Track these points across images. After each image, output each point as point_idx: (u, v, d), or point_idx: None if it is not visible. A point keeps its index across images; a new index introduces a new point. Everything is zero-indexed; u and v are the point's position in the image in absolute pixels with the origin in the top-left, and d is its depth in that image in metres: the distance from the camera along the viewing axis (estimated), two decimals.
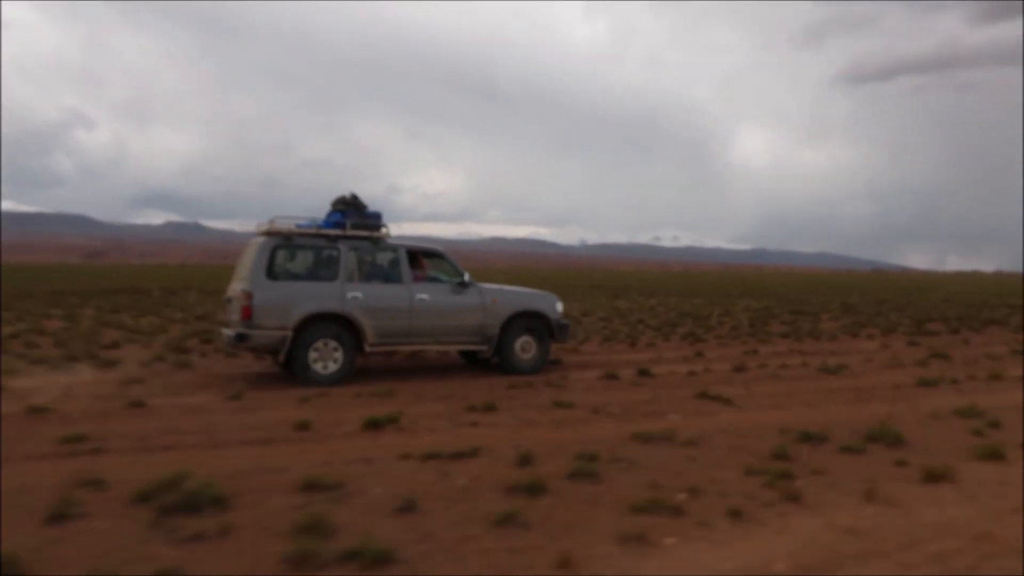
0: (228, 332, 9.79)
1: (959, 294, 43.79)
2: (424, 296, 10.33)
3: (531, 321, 10.98)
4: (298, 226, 10.09)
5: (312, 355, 9.56)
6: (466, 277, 10.65)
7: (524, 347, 10.90)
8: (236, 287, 9.85)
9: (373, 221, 10.43)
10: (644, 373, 10.67)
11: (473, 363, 11.76)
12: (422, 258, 10.87)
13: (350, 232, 10.14)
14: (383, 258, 10.32)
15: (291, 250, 9.87)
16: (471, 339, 10.67)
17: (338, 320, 9.74)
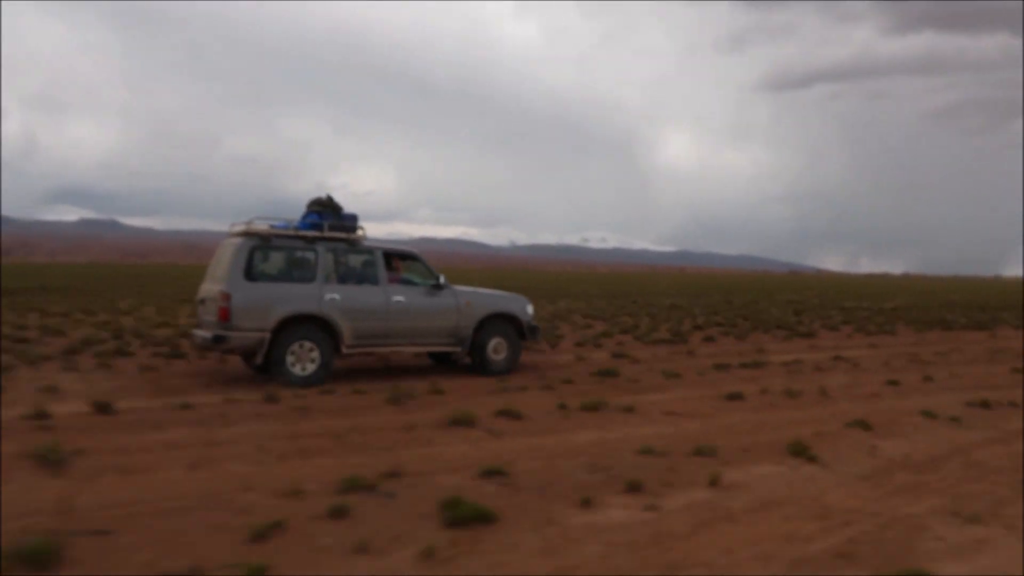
0: (203, 334, 9.64)
1: (866, 296, 46.21)
2: (400, 298, 10.40)
3: (503, 323, 11.18)
4: (274, 227, 10.03)
5: (289, 357, 9.52)
6: (441, 279, 10.78)
7: (496, 348, 11.09)
8: (212, 288, 9.70)
9: (349, 223, 10.45)
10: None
11: (441, 363, 11.87)
12: (397, 260, 10.92)
13: (327, 234, 10.14)
14: (360, 260, 10.34)
15: (269, 251, 9.79)
16: (445, 341, 10.80)
17: (316, 322, 9.71)
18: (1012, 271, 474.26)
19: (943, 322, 23.38)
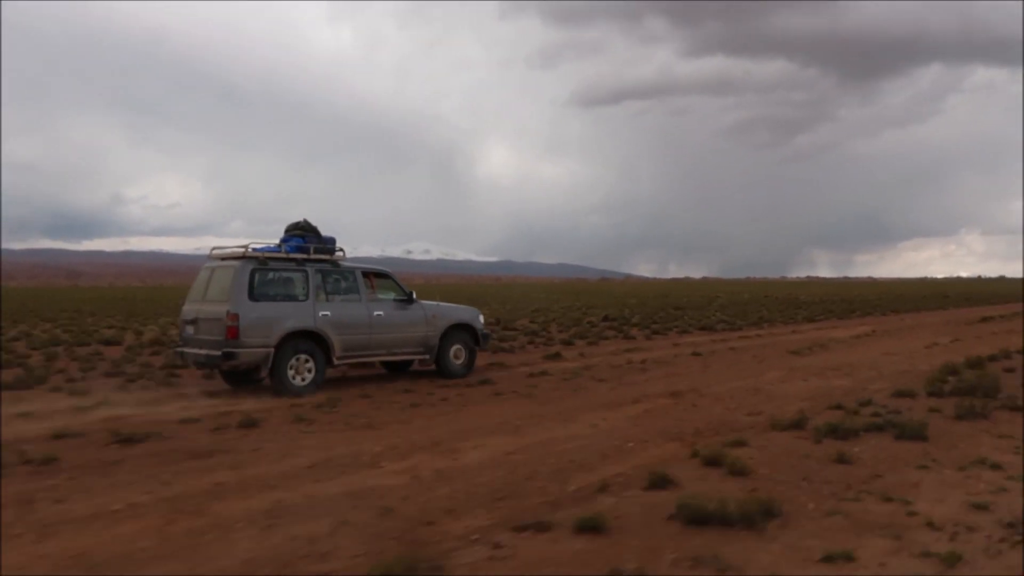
0: (204, 352, 10.22)
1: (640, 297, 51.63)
2: (380, 312, 11.52)
3: (462, 332, 12.57)
4: (258, 250, 10.77)
5: (289, 370, 10.36)
6: (413, 295, 11.99)
7: (456, 354, 12.44)
8: (214, 308, 10.30)
9: (330, 245, 11.42)
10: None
11: (394, 371, 12.86)
12: (372, 277, 11.97)
13: (314, 256, 11.06)
14: (343, 279, 11.33)
15: (266, 273, 10.55)
16: (417, 349, 12.02)
17: (311, 336, 10.62)
18: (797, 273, 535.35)
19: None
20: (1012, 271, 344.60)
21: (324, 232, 11.51)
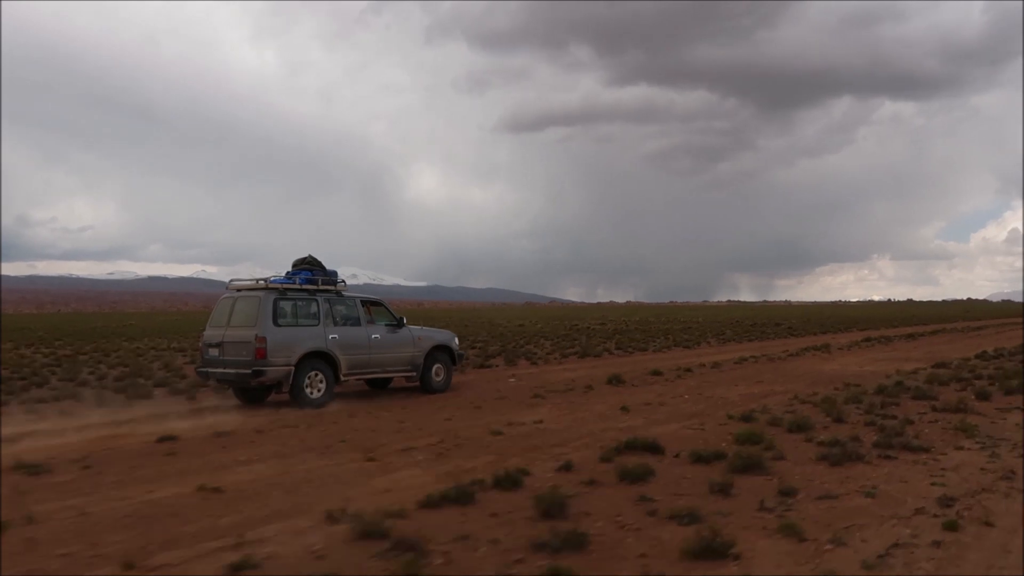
0: (233, 370, 11.96)
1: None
2: (376, 335, 13.48)
3: (441, 352, 14.60)
4: (273, 282, 12.63)
5: (305, 385, 12.20)
6: (404, 320, 13.99)
7: (437, 372, 14.46)
8: (241, 332, 12.05)
9: (333, 278, 13.36)
10: None
11: (376, 388, 14.67)
12: (369, 306, 13.90)
13: (322, 287, 12.97)
14: (345, 306, 13.25)
15: (286, 301, 12.41)
16: (406, 368, 13.98)
17: (323, 356, 12.49)
18: (720, 296, 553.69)
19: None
20: (920, 295, 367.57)
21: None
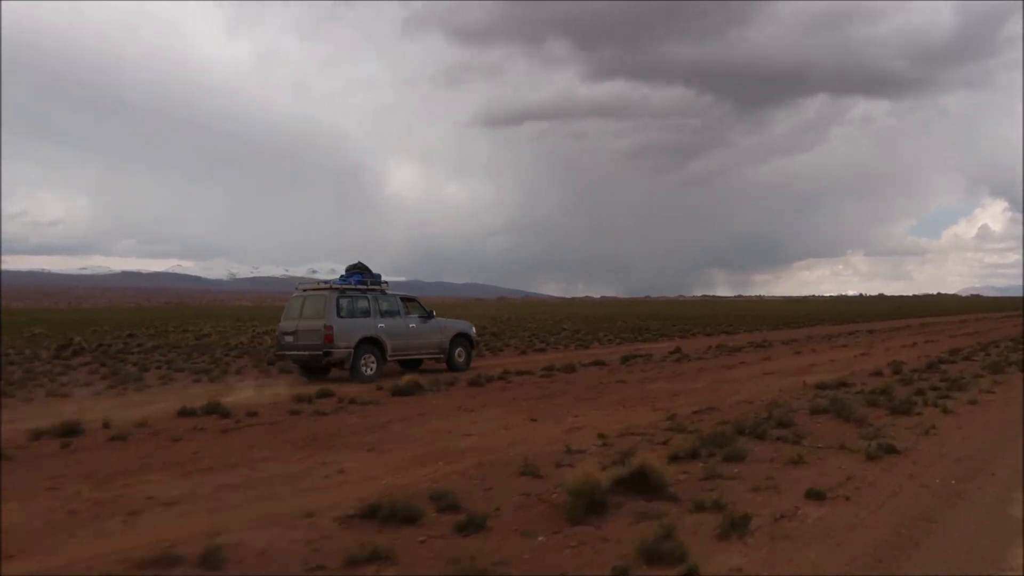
0: (306, 353, 15.19)
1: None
2: (413, 325, 16.76)
3: (463, 339, 17.90)
4: (335, 283, 15.88)
5: (361, 364, 15.44)
6: (433, 312, 17.27)
7: (459, 355, 17.76)
8: (311, 323, 15.28)
9: (379, 280, 16.61)
10: None
11: (409, 368, 17.93)
12: (407, 301, 17.15)
13: (371, 287, 16.22)
14: (389, 302, 16.52)
15: (345, 298, 15.65)
16: (436, 351, 17.27)
17: (374, 341, 15.74)
18: (696, 292, 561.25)
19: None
20: (892, 290, 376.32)
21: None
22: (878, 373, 15.63)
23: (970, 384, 13.36)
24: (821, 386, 13.05)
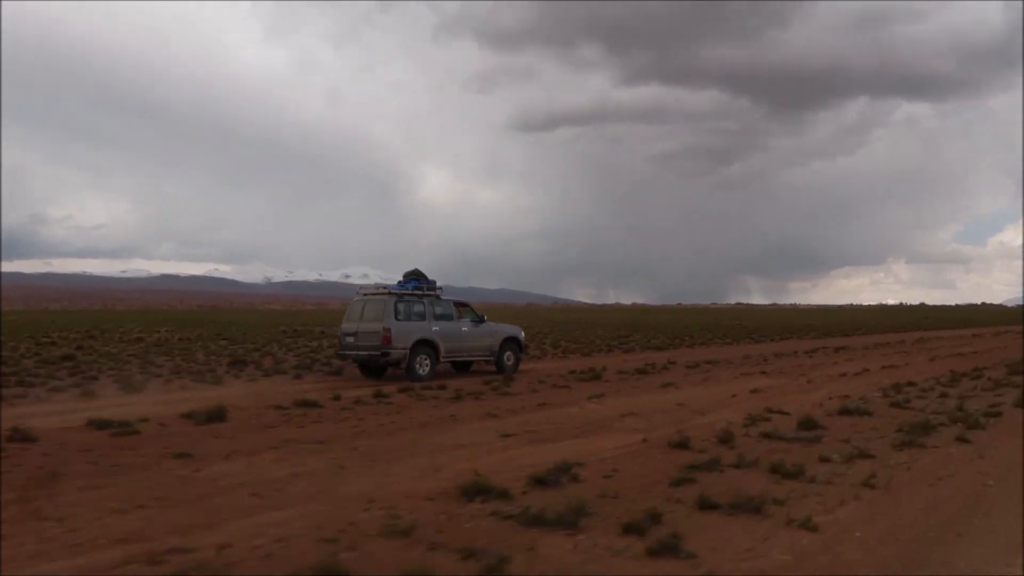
0: (366, 352, 16.07)
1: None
2: (465, 328, 17.55)
3: (512, 342, 18.64)
4: (393, 289, 16.74)
5: (416, 364, 16.26)
6: (484, 317, 18.04)
7: (508, 357, 18.50)
8: (371, 325, 16.16)
9: (433, 284, 17.44)
10: None
11: (460, 371, 18.76)
12: (459, 306, 17.96)
13: (425, 292, 17.05)
14: (443, 306, 17.34)
15: (401, 303, 16.50)
16: (486, 353, 18.05)
17: (428, 343, 16.56)
18: (731, 299, 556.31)
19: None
20: (934, 299, 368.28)
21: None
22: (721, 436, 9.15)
23: (838, 471, 7.35)
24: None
